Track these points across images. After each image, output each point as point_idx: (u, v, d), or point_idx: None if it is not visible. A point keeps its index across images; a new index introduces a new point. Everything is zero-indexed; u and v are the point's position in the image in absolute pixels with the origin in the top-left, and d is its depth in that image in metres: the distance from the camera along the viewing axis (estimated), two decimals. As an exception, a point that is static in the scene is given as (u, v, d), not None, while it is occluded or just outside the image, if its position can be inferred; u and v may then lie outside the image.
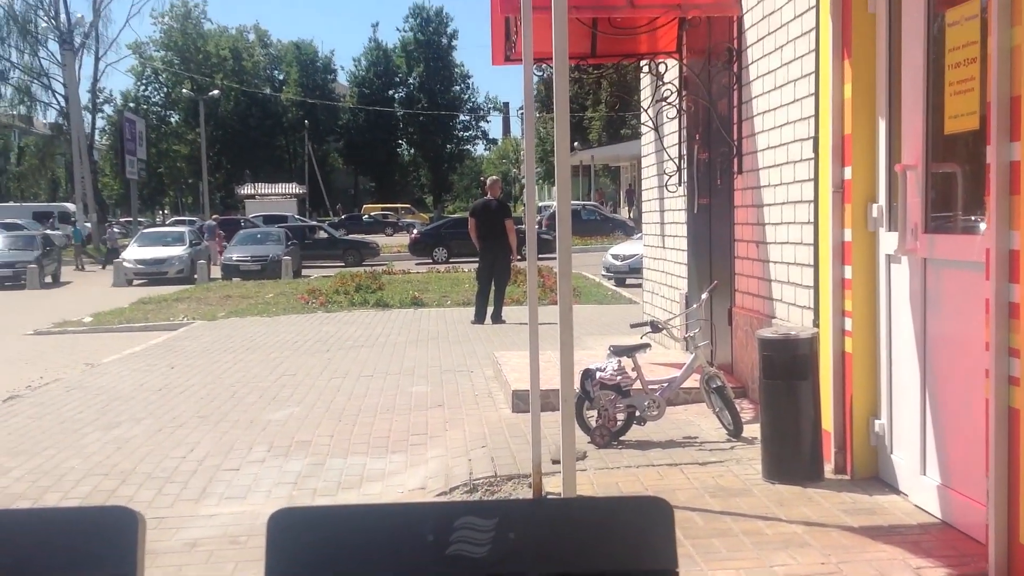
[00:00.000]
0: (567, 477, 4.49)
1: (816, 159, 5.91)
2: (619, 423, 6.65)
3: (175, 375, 10.90)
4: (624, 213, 50.79)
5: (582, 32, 8.30)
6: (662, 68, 9.44)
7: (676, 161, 9.57)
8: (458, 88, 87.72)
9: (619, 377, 6.68)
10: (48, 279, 30.15)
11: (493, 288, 14.62)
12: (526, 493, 5.65)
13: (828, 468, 5.53)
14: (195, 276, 28.48)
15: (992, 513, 3.97)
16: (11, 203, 61.97)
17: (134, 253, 30.35)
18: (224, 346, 13.26)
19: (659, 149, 10.36)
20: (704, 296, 7.55)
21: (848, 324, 5.44)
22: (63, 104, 53.50)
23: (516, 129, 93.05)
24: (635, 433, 6.69)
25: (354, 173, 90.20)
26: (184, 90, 72.12)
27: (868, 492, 5.21)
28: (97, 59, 55.44)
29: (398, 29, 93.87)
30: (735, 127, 7.73)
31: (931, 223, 4.81)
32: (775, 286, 6.90)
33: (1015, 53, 3.83)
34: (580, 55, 8.98)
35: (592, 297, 18.36)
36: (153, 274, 29.05)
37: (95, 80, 57.00)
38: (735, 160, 7.73)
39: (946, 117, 4.57)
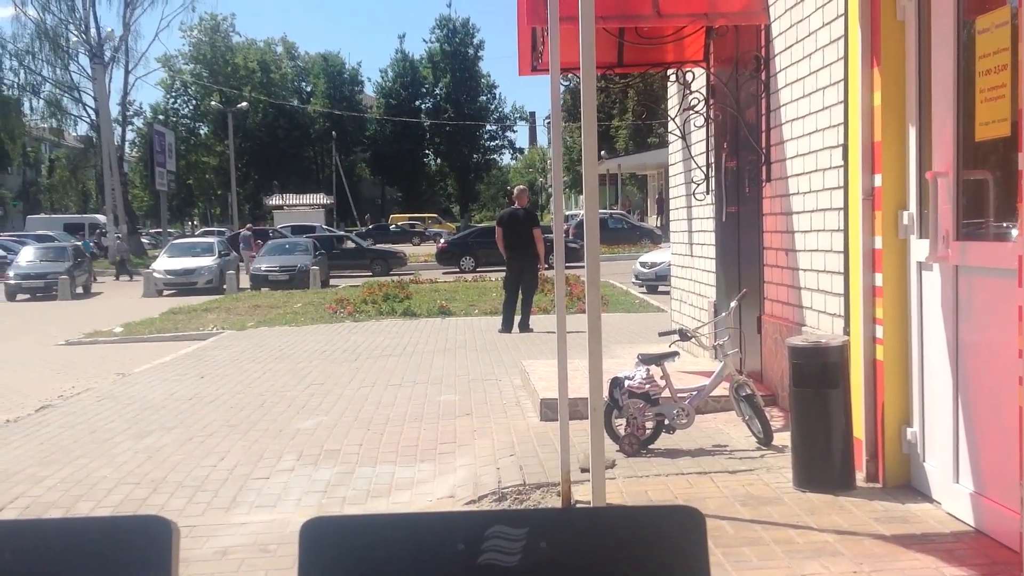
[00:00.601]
0: (596, 486, 4.48)
1: (846, 166, 5.88)
2: (648, 431, 6.63)
3: (205, 384, 10.97)
4: (654, 221, 50.71)
5: (609, 42, 8.31)
6: (689, 77, 9.42)
7: (704, 169, 9.55)
8: (484, 98, 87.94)
9: (648, 385, 6.66)
10: (79, 290, 30.43)
11: (520, 297, 14.63)
12: (555, 502, 5.64)
13: (859, 476, 5.49)
14: (224, 286, 28.66)
15: (1027, 522, 3.93)
16: (43, 215, 62.62)
17: (164, 264, 30.60)
18: (253, 356, 13.33)
19: (686, 158, 10.34)
20: (733, 304, 7.52)
21: (879, 332, 5.40)
22: (94, 117, 54.08)
23: (542, 138, 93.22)
24: (664, 441, 6.67)
25: (381, 183, 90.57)
26: (213, 102, 72.69)
27: (900, 500, 5.17)
28: (127, 72, 56.04)
29: (425, 40, 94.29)
30: (763, 135, 7.70)
31: (962, 230, 4.77)
32: (805, 294, 6.87)
33: (1047, 58, 3.80)
34: (607, 65, 8.99)
35: (620, 305, 18.33)
36: (183, 284, 29.26)
37: (125, 93, 57.56)
38: (764, 168, 7.70)
39: (977, 124, 4.54)
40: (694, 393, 6.86)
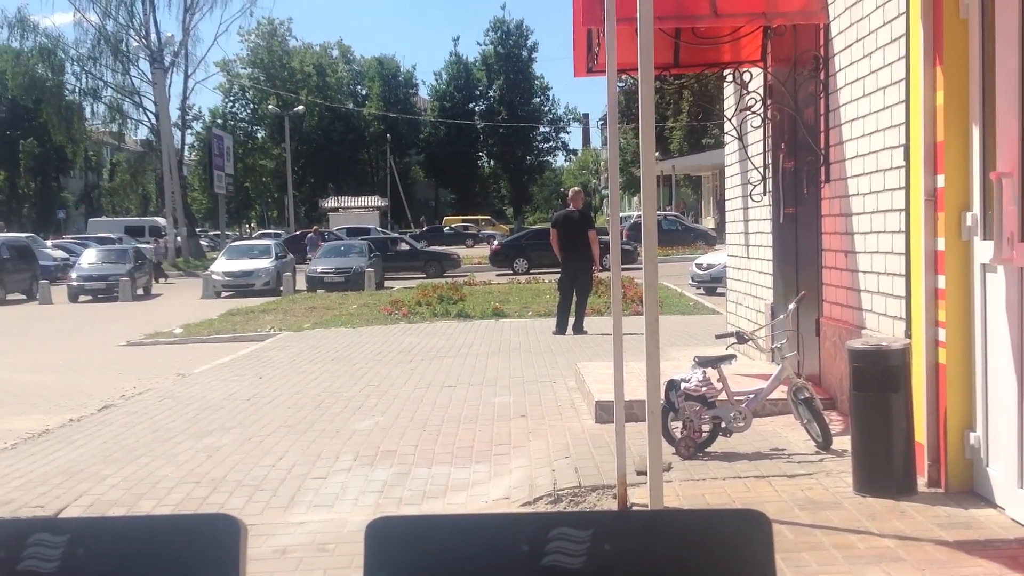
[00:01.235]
0: (654, 489, 4.46)
1: (907, 167, 5.80)
2: (704, 434, 6.59)
3: (263, 385, 11.10)
4: (710, 223, 50.40)
5: (665, 42, 8.27)
6: (746, 77, 9.35)
7: (761, 170, 9.47)
8: (538, 100, 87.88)
9: (704, 388, 6.62)
10: (140, 291, 30.94)
11: (575, 299, 14.60)
12: (610, 504, 5.63)
13: (921, 481, 5.41)
14: (281, 288, 28.97)
15: (1096, 530, 3.85)
16: (104, 218, 63.75)
17: (222, 266, 31.00)
18: (310, 357, 13.46)
19: (743, 159, 10.26)
20: (792, 306, 7.45)
21: (942, 335, 5.32)
22: (154, 121, 54.89)
23: (596, 140, 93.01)
24: (720, 445, 6.62)
25: (435, 185, 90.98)
26: (270, 106, 73.53)
27: (963, 506, 5.09)
28: (186, 77, 56.80)
29: (479, 43, 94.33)
30: (822, 135, 7.62)
31: (1028, 231, 4.69)
32: (865, 296, 6.78)
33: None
34: (663, 65, 8.95)
35: (675, 307, 18.22)
36: (240, 286, 29.62)
37: (184, 97, 58.37)
38: (822, 169, 7.62)
39: (1043, 122, 4.45)
40: (751, 396, 6.80)
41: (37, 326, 21.68)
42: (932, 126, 5.33)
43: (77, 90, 56.94)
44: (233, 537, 1.71)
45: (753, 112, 9.18)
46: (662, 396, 6.23)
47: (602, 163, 77.94)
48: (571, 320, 14.60)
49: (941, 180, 5.28)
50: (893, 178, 6.14)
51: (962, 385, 5.28)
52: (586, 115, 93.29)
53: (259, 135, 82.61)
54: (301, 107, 69.64)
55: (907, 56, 5.78)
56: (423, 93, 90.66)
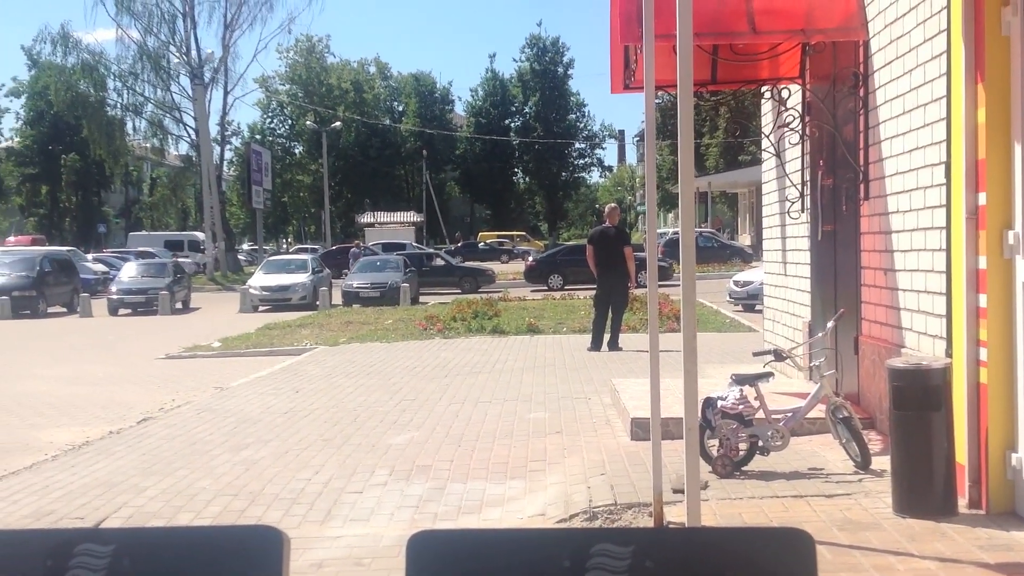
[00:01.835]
0: (691, 507, 4.44)
1: (948, 185, 5.75)
2: (741, 453, 6.55)
3: (300, 399, 11.16)
4: (747, 240, 50.17)
5: (703, 59, 8.26)
6: (784, 94, 9.32)
7: (799, 187, 9.42)
8: (573, 116, 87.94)
9: (741, 406, 6.58)
10: (178, 305, 31.23)
11: (610, 315, 14.58)
12: (646, 522, 5.60)
13: (962, 502, 5.35)
14: (317, 303, 29.14)
15: None
16: (144, 232, 64.49)
17: (259, 280, 31.24)
18: (346, 371, 13.52)
19: (780, 175, 10.22)
20: (830, 324, 7.39)
21: (983, 354, 5.26)
22: (193, 137, 55.49)
23: (631, 156, 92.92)
24: (758, 463, 6.58)
25: (470, 201, 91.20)
26: (308, 122, 74.08)
27: (1005, 528, 5.02)
28: (226, 93, 57.34)
29: (515, 59, 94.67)
30: (861, 152, 7.58)
31: (1072, 250, 4.63)
32: (904, 314, 6.72)
33: None
34: (701, 81, 8.93)
35: (710, 325, 18.13)
36: (277, 300, 29.84)
37: (224, 113, 58.91)
38: (862, 186, 7.57)
39: (1088, 140, 4.40)
40: (789, 415, 6.75)
41: (77, 339, 21.94)
42: (974, 143, 5.29)
43: (118, 105, 57.63)
44: (276, 549, 1.73)
45: (791, 129, 9.15)
46: (698, 414, 6.20)
47: (638, 179, 77.85)
48: (606, 337, 14.58)
49: (983, 198, 5.23)
50: (934, 195, 6.09)
51: (1004, 405, 5.21)
52: (622, 131, 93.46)
53: (297, 151, 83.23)
54: (338, 123, 70.08)
55: (948, 73, 5.74)
56: (459, 109, 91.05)
